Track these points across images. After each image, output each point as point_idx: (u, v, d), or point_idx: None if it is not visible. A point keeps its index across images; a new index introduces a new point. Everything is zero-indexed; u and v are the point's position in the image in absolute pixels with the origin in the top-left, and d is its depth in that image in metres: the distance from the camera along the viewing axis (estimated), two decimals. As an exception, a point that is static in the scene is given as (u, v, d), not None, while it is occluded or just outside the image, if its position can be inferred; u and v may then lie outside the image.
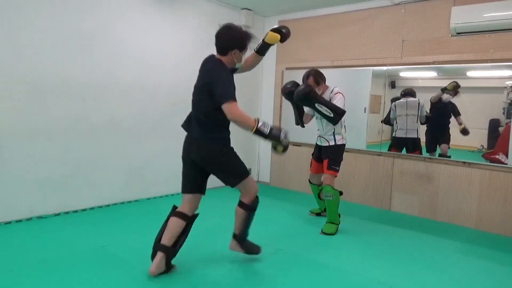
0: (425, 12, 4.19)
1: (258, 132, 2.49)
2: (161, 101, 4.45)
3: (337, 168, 3.60)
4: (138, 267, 2.59)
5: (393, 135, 4.58)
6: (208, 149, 2.50)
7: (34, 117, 3.45)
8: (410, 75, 4.56)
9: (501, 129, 3.93)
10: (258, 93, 5.73)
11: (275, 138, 2.50)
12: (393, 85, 4.56)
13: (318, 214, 4.12)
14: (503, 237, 3.70)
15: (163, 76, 4.44)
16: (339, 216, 3.64)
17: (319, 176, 3.88)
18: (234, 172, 2.59)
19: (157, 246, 2.48)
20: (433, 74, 4.38)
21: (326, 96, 3.57)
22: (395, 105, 4.52)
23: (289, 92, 3.55)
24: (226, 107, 2.36)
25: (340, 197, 3.59)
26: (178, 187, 3.97)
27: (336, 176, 3.61)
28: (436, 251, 3.23)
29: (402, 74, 4.57)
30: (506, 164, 3.72)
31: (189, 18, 4.66)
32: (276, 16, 5.52)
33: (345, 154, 3.77)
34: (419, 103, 4.39)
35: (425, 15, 4.19)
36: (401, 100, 4.49)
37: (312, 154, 3.93)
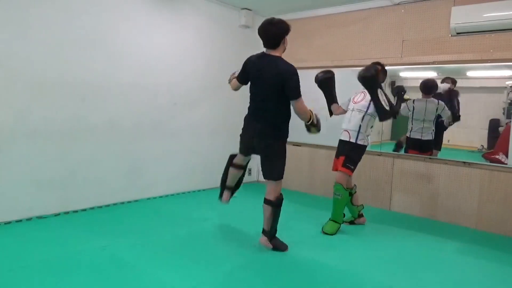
0: (425, 12, 4.19)
1: (312, 123, 3.02)
2: (161, 101, 4.45)
3: (352, 167, 3.53)
4: (138, 267, 2.59)
5: (408, 135, 4.41)
6: (273, 140, 2.94)
7: (34, 117, 3.45)
8: (410, 75, 4.56)
9: (501, 129, 3.93)
10: (258, 93, 5.71)
11: (319, 126, 3.09)
12: (393, 85, 4.56)
13: (351, 223, 3.84)
14: (503, 237, 3.70)
15: (163, 76, 4.44)
16: (344, 216, 3.63)
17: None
18: (280, 169, 2.96)
19: (224, 185, 3.41)
20: (433, 74, 4.38)
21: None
22: (413, 106, 4.32)
23: (327, 77, 3.68)
24: (296, 103, 2.82)
25: (348, 197, 3.60)
26: (178, 187, 4.01)
27: (350, 176, 3.58)
28: (436, 251, 3.23)
29: (402, 74, 4.57)
30: (506, 164, 3.72)
31: (189, 18, 4.66)
32: (276, 16, 5.50)
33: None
34: (437, 108, 4.17)
35: (425, 15, 4.19)
36: (421, 101, 4.28)
37: (335, 155, 3.77)
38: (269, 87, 2.84)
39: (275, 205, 2.94)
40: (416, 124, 4.33)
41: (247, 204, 4.46)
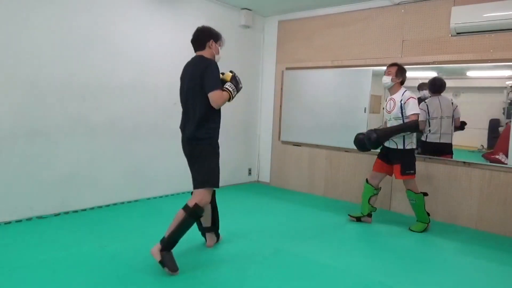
0: (425, 12, 4.19)
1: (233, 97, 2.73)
2: (161, 101, 4.45)
3: (412, 171, 3.57)
4: (138, 267, 2.59)
5: (424, 139, 4.20)
6: (196, 142, 2.68)
7: (34, 117, 3.45)
8: (410, 75, 4.53)
9: (501, 129, 3.93)
10: (258, 93, 5.72)
11: (239, 88, 2.80)
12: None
13: (358, 219, 3.91)
14: (503, 237, 3.70)
15: (163, 76, 4.44)
16: (429, 215, 3.69)
17: (380, 176, 3.81)
18: (204, 174, 2.68)
19: (202, 229, 3.03)
20: (433, 74, 4.37)
21: (397, 98, 3.56)
22: (427, 105, 4.15)
23: (362, 145, 3.65)
24: (211, 96, 2.56)
25: (424, 198, 3.64)
26: (178, 187, 3.99)
27: (414, 179, 3.62)
28: (436, 251, 3.23)
29: (402, 74, 4.56)
30: (506, 164, 3.72)
31: (189, 18, 4.66)
32: (276, 16, 5.52)
33: (345, 154, 3.77)
34: (452, 102, 4.06)
35: (425, 15, 4.19)
36: (433, 98, 4.14)
37: (378, 155, 3.85)
38: (188, 86, 2.67)
39: (188, 212, 2.56)
40: (434, 124, 4.09)
41: (247, 204, 4.47)
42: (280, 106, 5.47)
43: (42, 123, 3.50)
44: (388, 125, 3.66)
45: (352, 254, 3.07)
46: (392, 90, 3.63)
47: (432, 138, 4.14)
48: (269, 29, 5.62)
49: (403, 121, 3.52)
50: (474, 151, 4.16)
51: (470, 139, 4.19)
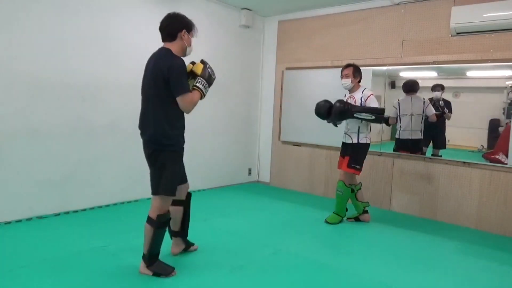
0: (425, 12, 4.19)
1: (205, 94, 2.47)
2: (161, 101, 4.44)
3: (358, 166, 3.65)
4: (138, 267, 2.59)
5: (397, 136, 4.46)
6: (156, 147, 2.52)
7: (34, 117, 3.45)
8: (410, 75, 4.56)
9: (501, 129, 3.93)
10: (258, 93, 5.72)
11: (211, 81, 2.54)
12: (393, 85, 4.56)
13: (356, 219, 3.91)
14: (503, 237, 3.70)
15: (163, 76, 4.43)
16: (346, 210, 3.79)
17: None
18: (164, 182, 2.45)
19: (170, 233, 2.77)
20: (433, 74, 4.37)
21: (357, 95, 3.65)
22: (398, 103, 4.43)
23: (323, 112, 3.68)
24: (180, 101, 2.35)
25: (350, 194, 3.73)
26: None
27: (358, 175, 3.72)
28: (436, 251, 3.23)
29: (402, 74, 4.56)
30: (506, 164, 3.72)
31: (189, 18, 4.65)
32: (276, 16, 5.52)
33: (345, 154, 3.78)
34: (424, 101, 4.28)
35: (425, 15, 4.19)
36: (405, 97, 4.39)
37: (340, 152, 3.92)
38: (149, 83, 2.44)
39: (155, 224, 2.43)
40: (404, 121, 4.36)
41: (247, 204, 4.47)
42: (280, 106, 5.47)
43: (42, 123, 3.50)
44: (345, 123, 3.79)
45: (352, 254, 3.07)
46: (352, 89, 3.75)
47: (404, 135, 4.38)
48: (269, 29, 5.62)
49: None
50: (474, 151, 4.15)
51: (470, 139, 4.19)
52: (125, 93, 4.09)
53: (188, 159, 4.78)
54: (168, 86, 2.33)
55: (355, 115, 3.48)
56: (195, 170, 4.94)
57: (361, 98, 3.64)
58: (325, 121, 3.79)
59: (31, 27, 3.38)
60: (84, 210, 3.84)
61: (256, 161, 5.84)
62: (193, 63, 2.50)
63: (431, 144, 4.35)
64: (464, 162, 3.99)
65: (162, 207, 2.46)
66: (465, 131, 4.25)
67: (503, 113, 3.93)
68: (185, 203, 2.78)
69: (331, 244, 3.30)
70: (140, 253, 2.79)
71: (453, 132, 4.26)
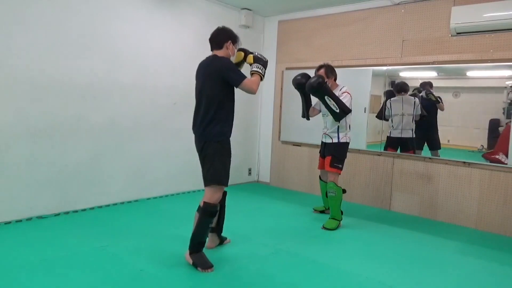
0: (425, 12, 4.19)
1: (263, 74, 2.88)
2: (161, 101, 4.45)
3: (340, 166, 3.68)
4: (138, 267, 2.59)
5: (388, 134, 4.56)
6: (206, 140, 2.72)
7: (34, 117, 3.45)
8: (410, 75, 4.56)
9: (501, 129, 3.93)
10: (258, 93, 5.71)
11: (266, 65, 3.03)
12: (393, 85, 4.56)
13: (321, 212, 4.19)
14: (503, 237, 3.70)
15: (163, 76, 4.44)
16: (342, 213, 3.74)
17: (325, 172, 3.93)
18: (214, 173, 2.68)
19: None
20: (433, 74, 4.37)
21: (336, 92, 3.67)
22: (390, 102, 4.50)
23: (300, 82, 3.69)
24: (243, 87, 2.65)
25: (342, 195, 3.70)
26: (178, 187, 3.96)
27: (339, 174, 3.70)
28: (436, 251, 3.23)
29: (402, 74, 4.56)
30: (506, 164, 3.72)
31: (189, 18, 4.66)
32: (276, 16, 5.52)
33: (345, 154, 3.78)
34: (415, 101, 4.37)
35: (425, 15, 4.19)
36: (396, 97, 4.47)
37: (320, 152, 3.99)
38: (202, 85, 2.71)
39: (201, 212, 2.63)
40: (396, 120, 4.44)
41: (247, 204, 4.47)
42: (280, 106, 5.47)
43: (42, 123, 3.50)
44: (324, 120, 3.81)
45: (351, 254, 3.07)
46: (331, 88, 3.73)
47: (395, 133, 4.49)
48: (269, 29, 5.62)
49: None
50: (474, 151, 4.16)
51: (470, 139, 4.19)
52: (125, 93, 4.10)
53: (188, 159, 4.82)
54: (224, 85, 2.63)
55: (326, 97, 3.47)
56: (195, 170, 4.93)
57: (338, 93, 3.67)
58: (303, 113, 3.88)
59: (31, 27, 3.38)
60: (84, 210, 3.84)
61: (256, 161, 5.85)
62: (242, 49, 2.87)
63: (426, 145, 4.36)
64: (464, 162, 4.00)
65: (212, 197, 2.64)
66: (465, 131, 4.25)
67: (503, 113, 3.93)
68: (221, 201, 2.89)
69: (331, 244, 3.30)
70: (140, 253, 2.79)
71: (453, 132, 4.26)
